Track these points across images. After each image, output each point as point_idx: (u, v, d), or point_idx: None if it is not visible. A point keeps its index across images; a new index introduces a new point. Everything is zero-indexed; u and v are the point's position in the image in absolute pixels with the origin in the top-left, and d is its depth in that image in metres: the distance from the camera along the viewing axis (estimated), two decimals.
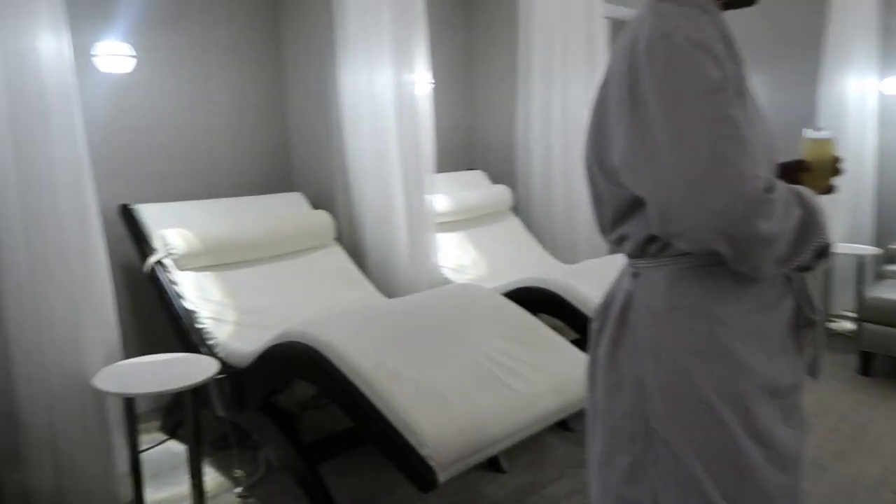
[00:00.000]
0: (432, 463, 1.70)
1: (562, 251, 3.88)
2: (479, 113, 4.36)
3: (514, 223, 3.93)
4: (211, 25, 3.12)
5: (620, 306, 1.15)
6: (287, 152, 3.46)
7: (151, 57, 2.92)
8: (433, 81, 3.26)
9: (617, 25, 4.34)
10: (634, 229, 1.11)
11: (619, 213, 1.13)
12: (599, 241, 3.81)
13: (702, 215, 0.94)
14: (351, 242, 3.25)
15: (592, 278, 2.86)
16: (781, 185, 0.99)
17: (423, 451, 1.72)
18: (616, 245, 1.18)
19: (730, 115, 0.94)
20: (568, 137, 3.85)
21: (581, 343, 2.41)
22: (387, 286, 3.11)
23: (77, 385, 2.11)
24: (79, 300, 2.13)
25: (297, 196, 3.24)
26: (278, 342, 2.12)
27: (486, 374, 2.03)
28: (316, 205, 3.26)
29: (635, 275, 1.14)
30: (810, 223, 0.99)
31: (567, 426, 2.69)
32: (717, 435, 1.04)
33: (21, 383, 2.12)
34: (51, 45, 2.08)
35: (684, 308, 1.06)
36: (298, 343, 2.04)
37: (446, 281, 3.29)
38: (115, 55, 2.68)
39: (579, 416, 2.17)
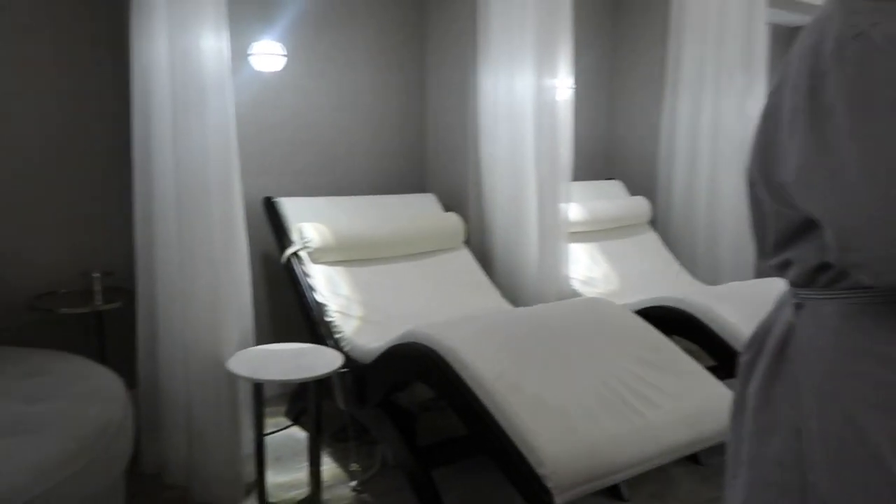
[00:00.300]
0: (550, 484, 1.61)
1: (702, 271, 3.64)
2: (620, 120, 4.19)
3: (651, 237, 3.74)
4: (359, 26, 3.21)
5: (778, 340, 1.02)
6: (423, 153, 3.50)
7: (301, 56, 3.05)
8: (574, 86, 3.16)
9: (778, 32, 4.01)
10: (802, 254, 0.97)
11: (784, 236, 1.00)
12: (745, 262, 3.54)
13: (894, 245, 0.80)
14: (479, 247, 3.22)
15: (737, 302, 2.64)
16: None
17: (540, 471, 1.64)
18: (778, 271, 1.04)
19: None
20: (716, 149, 3.61)
21: (718, 371, 2.23)
22: (513, 294, 3.05)
23: (213, 366, 2.21)
24: (220, 285, 2.24)
25: (430, 197, 3.25)
26: (401, 342, 2.12)
27: (614, 397, 1.91)
28: (447, 207, 3.26)
29: (799, 306, 1.00)
30: None
31: (697, 460, 2.49)
32: (892, 502, 0.89)
33: (164, 359, 2.26)
34: (211, 43, 2.21)
35: (860, 351, 0.92)
36: (420, 345, 2.03)
37: (575, 293, 3.18)
38: (268, 54, 2.81)
39: (712, 450, 2.00)
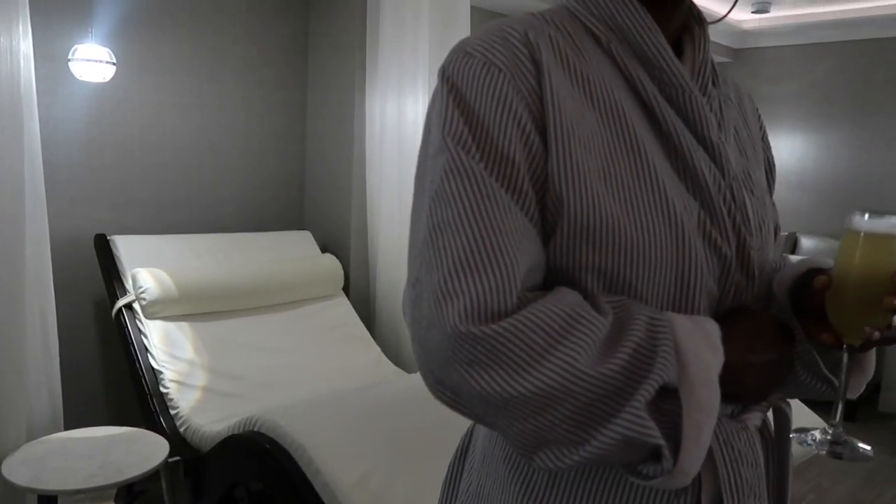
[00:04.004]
0: None
1: None
2: None
3: None
4: (229, 34, 2.73)
5: None
6: (301, 184, 3.06)
7: (149, 66, 2.53)
8: None
9: None
10: None
11: None
12: None
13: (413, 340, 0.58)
14: (360, 294, 2.82)
15: None
16: (558, 305, 0.54)
17: None
18: None
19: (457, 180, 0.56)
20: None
21: None
22: (396, 348, 2.67)
23: None
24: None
25: (305, 235, 2.82)
26: (242, 431, 1.68)
27: None
28: (325, 247, 2.85)
29: None
30: (619, 379, 0.53)
31: None
32: None
33: None
34: (4, 39, 1.72)
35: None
36: (264, 436, 1.60)
37: None
38: (90, 61, 2.24)
39: None
